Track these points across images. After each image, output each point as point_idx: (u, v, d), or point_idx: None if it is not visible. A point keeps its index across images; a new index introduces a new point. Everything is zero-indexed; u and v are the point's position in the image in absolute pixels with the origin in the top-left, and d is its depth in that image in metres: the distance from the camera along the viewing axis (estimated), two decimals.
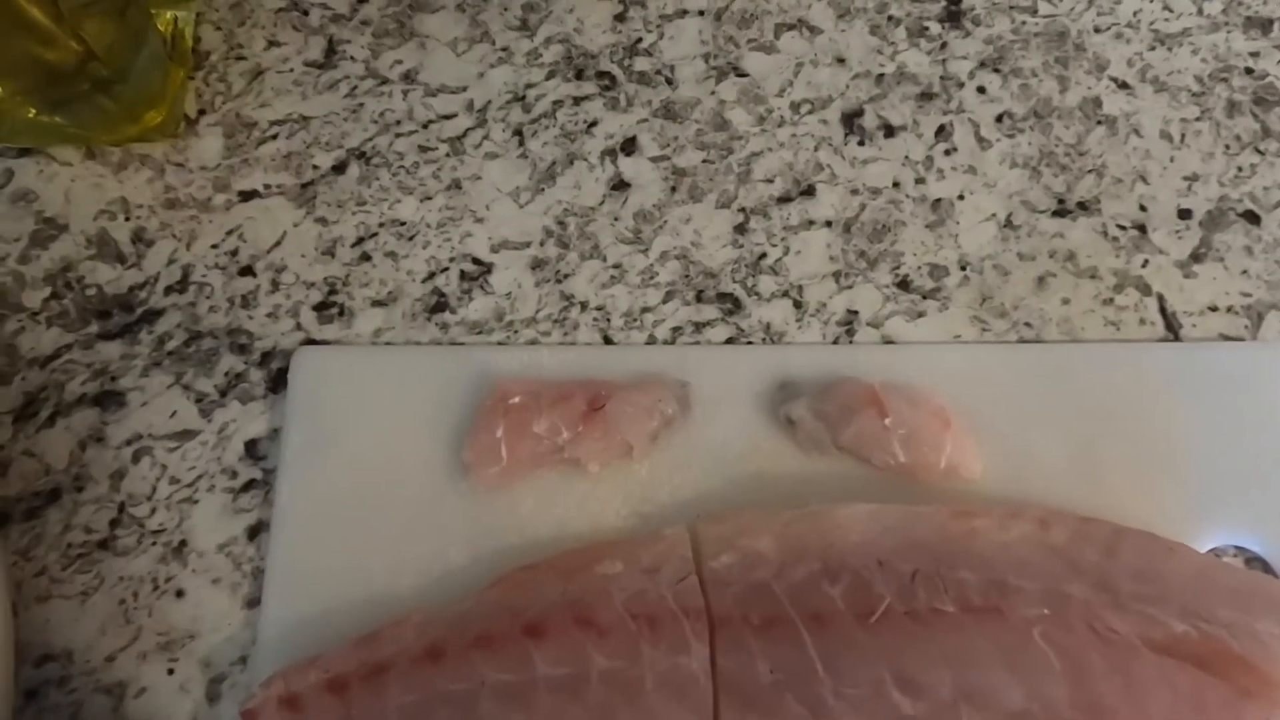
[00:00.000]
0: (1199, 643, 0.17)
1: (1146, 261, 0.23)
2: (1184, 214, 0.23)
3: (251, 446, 0.21)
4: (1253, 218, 0.23)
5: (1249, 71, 0.24)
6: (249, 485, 0.21)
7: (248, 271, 0.23)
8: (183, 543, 0.21)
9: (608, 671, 0.17)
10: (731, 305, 0.22)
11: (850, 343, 0.22)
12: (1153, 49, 0.25)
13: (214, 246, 0.23)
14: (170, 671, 0.20)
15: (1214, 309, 0.22)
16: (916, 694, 0.16)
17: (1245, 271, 0.23)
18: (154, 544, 0.21)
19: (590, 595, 0.18)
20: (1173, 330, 0.22)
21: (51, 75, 0.20)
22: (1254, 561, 0.20)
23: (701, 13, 0.25)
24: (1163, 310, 0.22)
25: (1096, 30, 0.25)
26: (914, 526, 0.19)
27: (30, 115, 0.23)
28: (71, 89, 0.21)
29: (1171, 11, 0.25)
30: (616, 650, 0.18)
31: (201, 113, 0.24)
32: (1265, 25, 0.25)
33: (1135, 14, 0.25)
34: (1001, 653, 0.17)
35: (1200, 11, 0.25)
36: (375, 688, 0.18)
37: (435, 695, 0.18)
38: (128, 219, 0.23)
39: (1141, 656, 0.17)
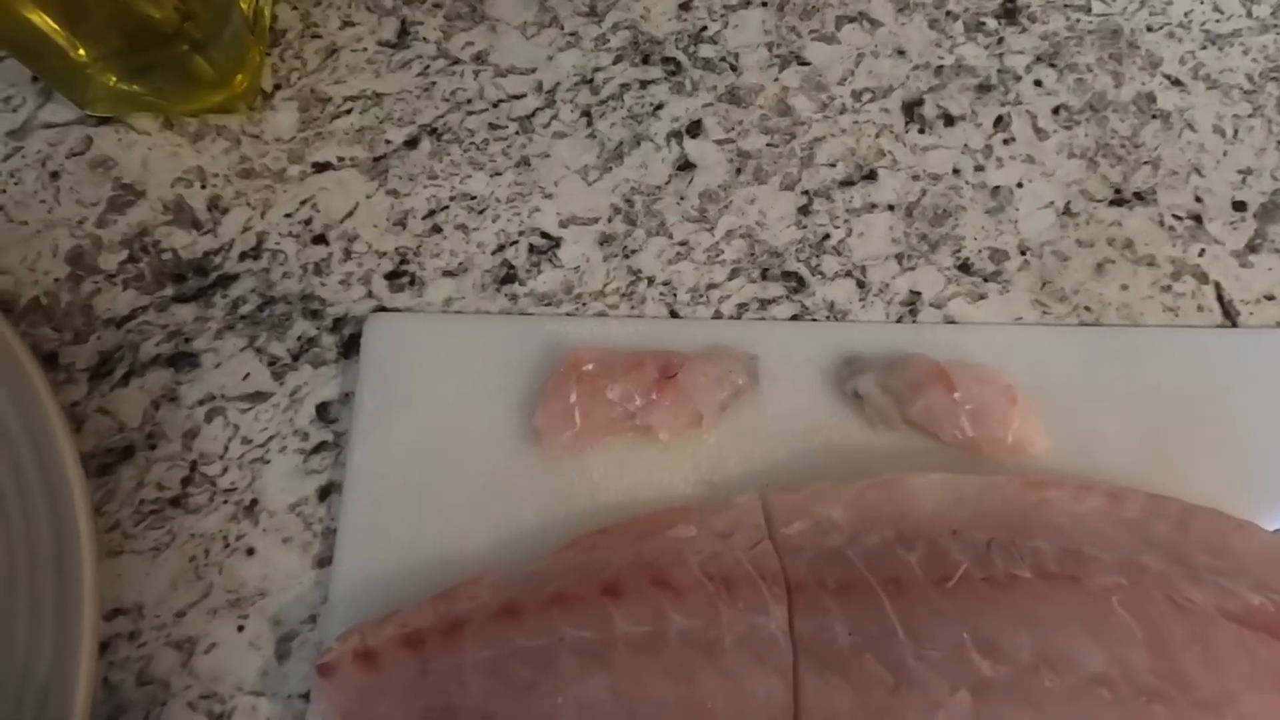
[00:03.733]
0: (1274, 615, 0.17)
1: (1203, 251, 0.23)
2: (1238, 206, 0.24)
3: (323, 409, 0.22)
4: None
5: None
6: (320, 447, 0.21)
7: (321, 240, 0.23)
8: (254, 502, 0.21)
9: (686, 631, 0.17)
10: (796, 283, 0.23)
11: (914, 322, 0.22)
12: (1204, 48, 0.25)
13: (288, 215, 0.24)
14: (240, 628, 0.20)
15: (1270, 298, 0.23)
16: (997, 657, 0.17)
17: None
18: (225, 502, 0.21)
19: (665, 558, 0.18)
20: (1230, 317, 0.23)
21: (153, 34, 0.21)
22: None
23: (765, 4, 0.26)
24: (1220, 298, 0.23)
25: (1149, 29, 0.26)
26: (987, 496, 0.19)
27: (111, 83, 0.24)
28: (169, 51, 0.21)
29: (1222, 13, 0.26)
30: (694, 610, 0.18)
31: (277, 87, 0.25)
32: None
33: (1186, 14, 0.26)
34: (1081, 619, 0.17)
35: (1250, 14, 0.26)
36: (452, 643, 0.18)
37: (512, 651, 0.18)
38: (204, 187, 0.24)
39: (1220, 626, 0.17)
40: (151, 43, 0.22)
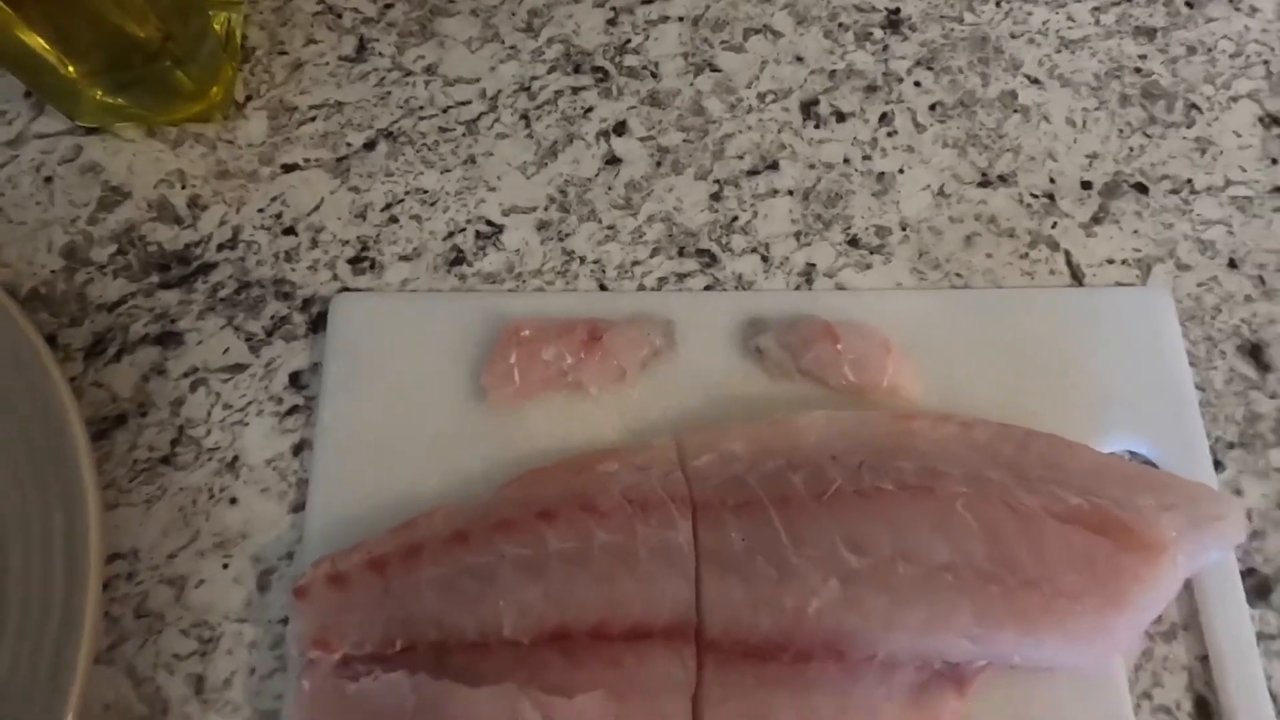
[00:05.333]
0: (1091, 513, 0.21)
1: (1055, 224, 0.27)
2: (1085, 185, 0.28)
3: (295, 378, 0.25)
4: (1142, 189, 0.28)
5: (1138, 70, 0.29)
6: (293, 410, 0.24)
7: (290, 231, 0.26)
8: (235, 458, 0.24)
9: (608, 545, 0.21)
10: (709, 259, 0.26)
11: (809, 289, 0.26)
12: (1059, 52, 0.29)
13: (260, 210, 0.27)
14: (225, 566, 0.23)
15: (1111, 261, 0.27)
16: (862, 552, 0.20)
17: (1136, 232, 0.27)
18: (210, 460, 0.24)
19: (592, 488, 0.22)
20: (1077, 279, 0.26)
21: (137, 52, 0.24)
22: (1143, 461, 0.24)
23: (681, 19, 0.30)
24: (1069, 263, 0.27)
25: (1012, 36, 0.30)
26: (861, 428, 0.22)
27: (97, 97, 0.27)
28: (151, 67, 0.24)
29: (1074, 21, 0.30)
30: (615, 528, 0.21)
31: (249, 98, 0.28)
32: (1150, 33, 0.30)
33: (1044, 23, 0.30)
34: (931, 520, 0.20)
35: (1098, 22, 0.30)
36: (410, 564, 0.21)
37: (462, 568, 0.21)
38: (184, 187, 0.27)
39: (1045, 523, 0.21)
40: (135, 60, 0.25)
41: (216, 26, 0.27)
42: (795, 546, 0.20)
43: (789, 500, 0.21)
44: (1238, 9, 0.30)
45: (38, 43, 0.25)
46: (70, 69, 0.26)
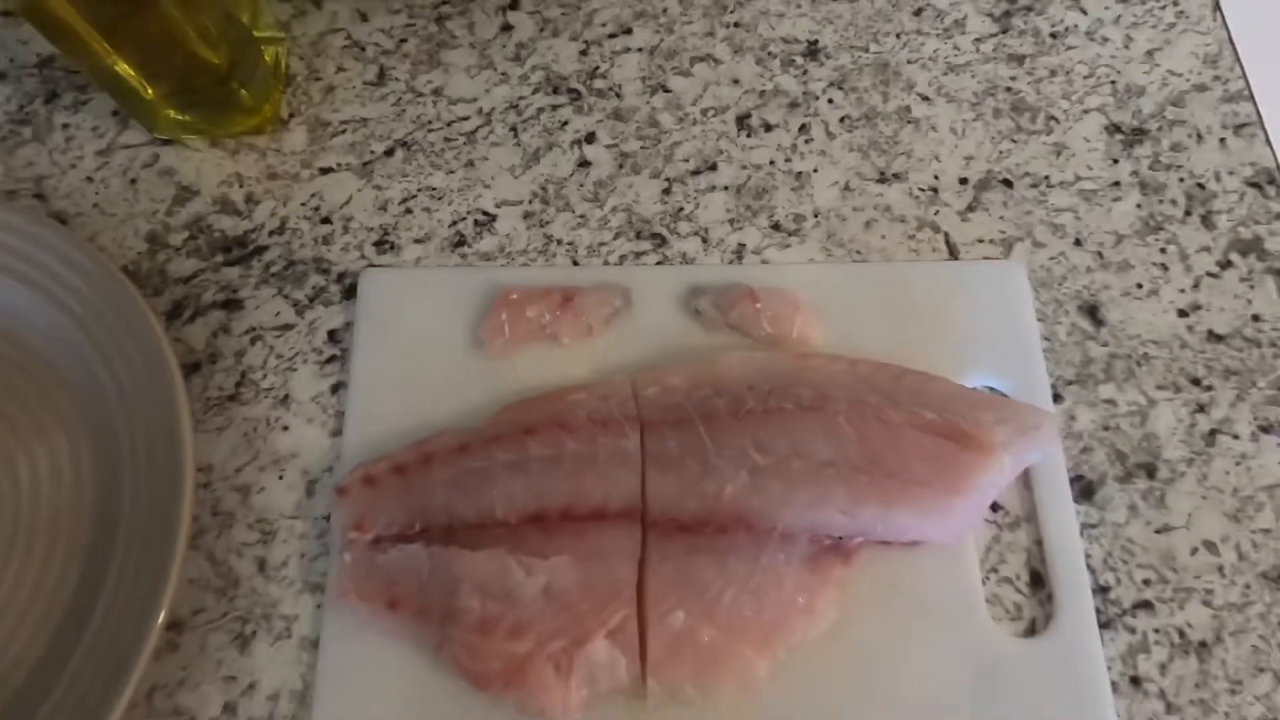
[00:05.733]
0: (942, 425, 0.27)
1: (937, 211, 0.34)
2: (963, 181, 0.34)
3: (332, 334, 0.31)
4: (1007, 183, 0.35)
5: (1008, 89, 0.36)
6: (330, 359, 0.31)
7: (326, 220, 0.33)
8: (286, 396, 0.30)
9: (576, 452, 0.27)
10: (659, 240, 0.33)
11: (739, 264, 0.33)
12: (945, 74, 0.36)
13: (302, 204, 0.33)
14: (280, 477, 0.29)
15: (980, 241, 0.33)
16: (766, 453, 0.27)
17: (1001, 218, 0.34)
18: (266, 397, 0.30)
19: (564, 411, 0.28)
20: (954, 254, 0.33)
21: (207, 77, 0.31)
22: (998, 393, 0.31)
23: (640, 50, 0.37)
24: (947, 242, 0.33)
25: (908, 62, 0.37)
26: (771, 364, 0.29)
27: (171, 115, 0.34)
28: (217, 90, 0.31)
29: (959, 50, 0.37)
30: (581, 440, 0.27)
31: (291, 115, 0.35)
32: (1020, 59, 0.37)
33: (934, 51, 0.37)
34: (819, 429, 0.27)
35: (978, 50, 0.37)
36: (424, 469, 0.27)
37: (464, 470, 0.27)
38: (241, 186, 0.33)
39: (906, 431, 0.27)
40: (203, 84, 0.32)
41: (267, 58, 0.34)
42: (716, 450, 0.27)
43: (713, 417, 0.28)
44: (1091, 39, 0.37)
45: (126, 70, 0.31)
46: (150, 91, 0.32)
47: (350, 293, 0.32)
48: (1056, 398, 0.31)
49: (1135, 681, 0.28)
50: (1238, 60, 0.37)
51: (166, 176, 0.34)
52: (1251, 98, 0.37)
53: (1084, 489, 0.30)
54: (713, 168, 0.34)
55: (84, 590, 0.27)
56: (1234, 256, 0.34)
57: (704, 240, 0.33)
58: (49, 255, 0.29)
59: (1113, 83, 0.37)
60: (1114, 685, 0.27)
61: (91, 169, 0.34)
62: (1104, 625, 0.28)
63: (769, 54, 0.37)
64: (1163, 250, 0.34)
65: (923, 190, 0.34)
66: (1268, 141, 0.36)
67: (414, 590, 0.26)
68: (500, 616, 0.25)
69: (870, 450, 0.27)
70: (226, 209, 0.33)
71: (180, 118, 0.34)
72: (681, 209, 0.34)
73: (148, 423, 0.28)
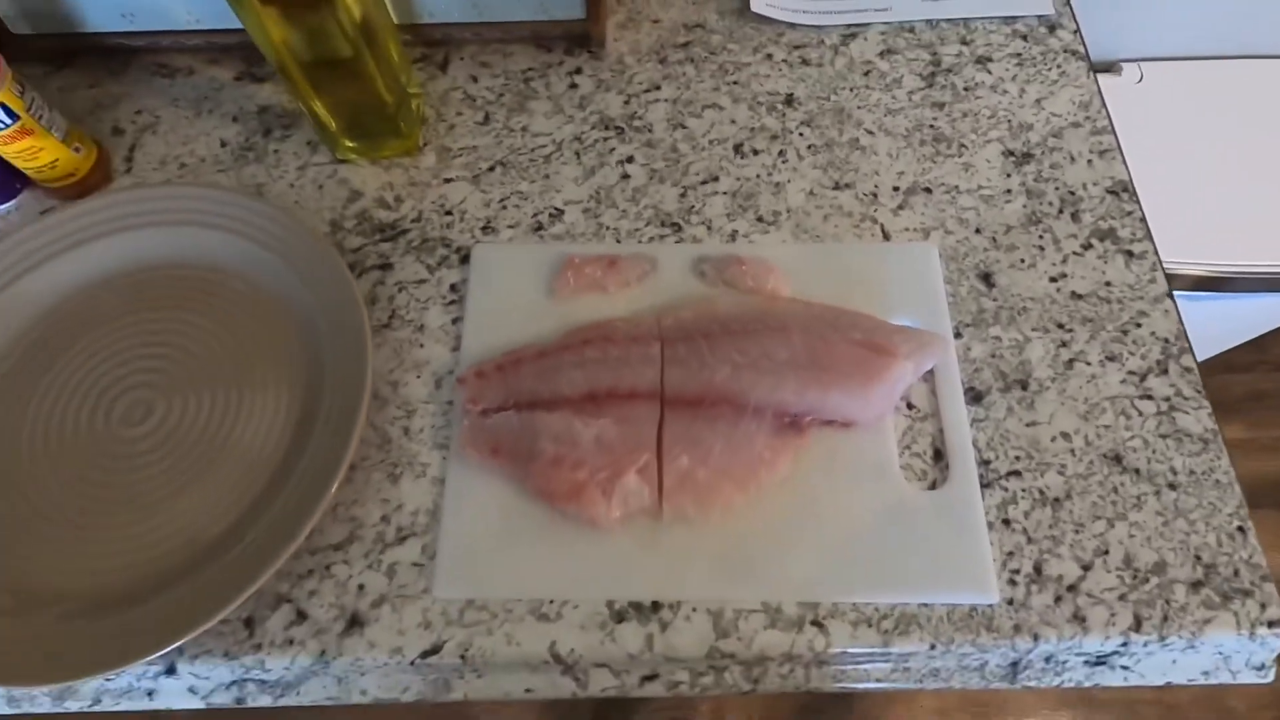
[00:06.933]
0: (865, 341, 0.40)
1: (876, 210, 0.47)
2: (895, 189, 0.48)
3: (453, 286, 0.46)
4: (928, 190, 0.48)
5: (931, 126, 0.50)
6: (451, 302, 0.45)
7: (449, 213, 0.48)
8: (422, 325, 0.44)
9: (617, 355, 0.41)
10: (677, 228, 0.47)
11: (733, 243, 0.47)
12: (885, 116, 0.51)
13: (432, 202, 0.48)
14: (418, 376, 0.43)
15: (907, 229, 0.47)
16: (743, 355, 0.40)
17: (922, 214, 0.47)
18: (408, 326, 0.44)
19: (609, 330, 0.42)
20: (887, 238, 0.47)
21: (377, 116, 0.46)
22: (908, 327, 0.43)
23: (667, 100, 0.52)
24: (883, 231, 0.47)
25: (858, 108, 0.51)
26: (750, 303, 0.42)
27: (346, 143, 0.49)
28: (383, 125, 0.47)
29: (895, 99, 0.51)
30: (620, 348, 0.41)
31: (425, 144, 0.50)
32: (940, 105, 0.51)
33: (878, 100, 0.51)
34: (780, 342, 0.40)
35: (910, 99, 0.51)
36: (517, 366, 0.41)
37: (543, 366, 0.41)
38: (391, 191, 0.49)
39: (839, 344, 0.40)
40: (374, 123, 0.48)
41: (413, 105, 0.50)
42: (710, 353, 0.40)
43: (709, 335, 0.41)
44: (994, 91, 0.51)
45: (322, 110, 0.47)
46: (334, 125, 0.48)
47: (465, 260, 0.46)
48: (957, 335, 0.44)
49: (1006, 522, 0.39)
50: (1104, 106, 0.51)
51: (342, 184, 0.49)
52: (1112, 131, 0.50)
53: (974, 396, 0.42)
54: (715, 179, 0.49)
55: (298, 439, 0.41)
56: (1094, 241, 0.46)
57: (708, 228, 0.47)
58: (278, 227, 0.45)
59: (1009, 121, 0.50)
60: (990, 525, 0.39)
61: (293, 179, 0.49)
62: (985, 485, 0.40)
63: (758, 102, 0.51)
64: (1040, 237, 0.46)
65: (866, 195, 0.48)
66: (1123, 162, 0.49)
67: (508, 442, 0.40)
68: (565, 456, 0.39)
69: (814, 355, 0.40)
70: (382, 205, 0.48)
71: (353, 145, 0.49)
72: (693, 207, 0.48)
73: (342, 335, 0.42)
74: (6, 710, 0.38)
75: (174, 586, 0.37)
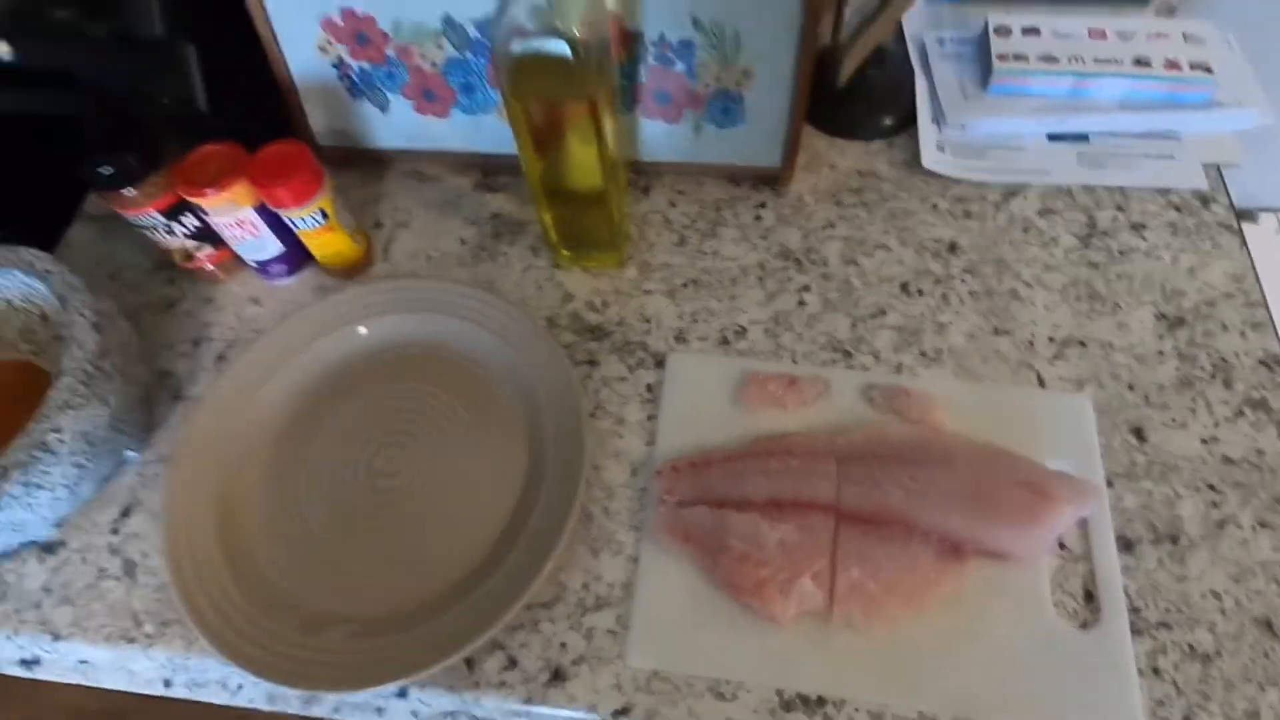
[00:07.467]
0: (1027, 483, 0.45)
1: (1033, 357, 0.52)
2: (1051, 339, 0.53)
3: (649, 386, 0.53)
4: (1083, 344, 0.53)
5: (1088, 284, 0.55)
6: (648, 400, 0.52)
7: (647, 321, 0.56)
8: (621, 418, 0.52)
9: (797, 468, 0.47)
10: (847, 354, 0.53)
11: (899, 374, 0.52)
12: (1043, 271, 0.56)
13: (634, 311, 0.56)
14: (617, 463, 0.50)
15: (1061, 379, 0.51)
16: (914, 481, 0.45)
17: (1077, 366, 0.52)
18: (609, 418, 0.52)
19: (790, 445, 0.48)
20: (1043, 385, 0.51)
21: (600, 236, 0.55)
22: (1065, 474, 0.47)
23: (842, 238, 0.59)
24: (1039, 378, 0.51)
25: (1017, 260, 0.56)
26: (917, 433, 0.48)
27: (564, 253, 0.58)
28: (599, 241, 0.55)
29: (1053, 256, 0.56)
30: (801, 461, 0.47)
31: (629, 259, 0.59)
32: (1095, 265, 0.56)
33: (1035, 256, 0.57)
34: (948, 474, 0.45)
35: (1066, 258, 0.56)
36: (707, 467, 0.48)
37: (731, 470, 0.47)
38: (599, 296, 0.57)
39: (1003, 484, 0.45)
40: (594, 239, 0.57)
41: (627, 228, 0.59)
42: (883, 476, 0.45)
43: (881, 458, 0.46)
44: (1148, 257, 0.56)
45: (550, 224, 0.56)
46: (555, 237, 0.57)
47: (659, 364, 0.54)
48: (1109, 483, 0.47)
49: (1155, 671, 0.42)
50: (1258, 280, 0.55)
51: (558, 286, 0.58)
52: (1265, 305, 0.53)
53: (1125, 544, 0.46)
54: (884, 313, 0.55)
55: (523, 503, 0.48)
56: (1246, 409, 0.50)
57: (876, 358, 0.53)
58: (510, 319, 0.54)
59: (1162, 286, 0.55)
60: (1139, 671, 0.42)
61: (518, 278, 0.59)
62: (1135, 632, 0.43)
63: (924, 247, 0.58)
64: (1193, 400, 0.50)
65: (1023, 342, 0.53)
66: (1276, 335, 0.52)
67: (699, 533, 0.46)
68: (750, 554, 0.44)
69: (979, 490, 0.45)
70: (591, 308, 0.57)
71: (568, 254, 0.58)
72: (862, 337, 0.54)
73: (562, 418, 0.50)
74: (266, 707, 0.45)
75: (428, 621, 0.44)
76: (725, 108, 0.55)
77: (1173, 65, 0.61)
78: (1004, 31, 0.64)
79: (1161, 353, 0.52)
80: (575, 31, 0.40)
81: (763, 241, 0.59)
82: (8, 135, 0.56)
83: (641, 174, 0.63)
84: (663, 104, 0.55)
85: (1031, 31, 0.64)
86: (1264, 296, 0.54)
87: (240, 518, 0.49)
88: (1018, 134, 0.62)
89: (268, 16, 0.52)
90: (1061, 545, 0.46)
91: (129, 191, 0.50)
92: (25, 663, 0.48)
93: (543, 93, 0.43)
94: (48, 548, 0.49)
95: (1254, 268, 0.55)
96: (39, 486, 0.43)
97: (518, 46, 0.40)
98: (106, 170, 0.49)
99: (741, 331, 0.55)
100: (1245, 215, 0.94)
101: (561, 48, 0.40)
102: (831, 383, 0.52)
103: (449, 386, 0.53)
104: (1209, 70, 0.60)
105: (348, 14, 0.52)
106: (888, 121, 0.64)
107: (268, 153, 0.51)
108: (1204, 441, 0.49)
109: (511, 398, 0.52)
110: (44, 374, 0.53)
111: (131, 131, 0.50)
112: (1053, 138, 0.62)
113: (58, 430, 0.43)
